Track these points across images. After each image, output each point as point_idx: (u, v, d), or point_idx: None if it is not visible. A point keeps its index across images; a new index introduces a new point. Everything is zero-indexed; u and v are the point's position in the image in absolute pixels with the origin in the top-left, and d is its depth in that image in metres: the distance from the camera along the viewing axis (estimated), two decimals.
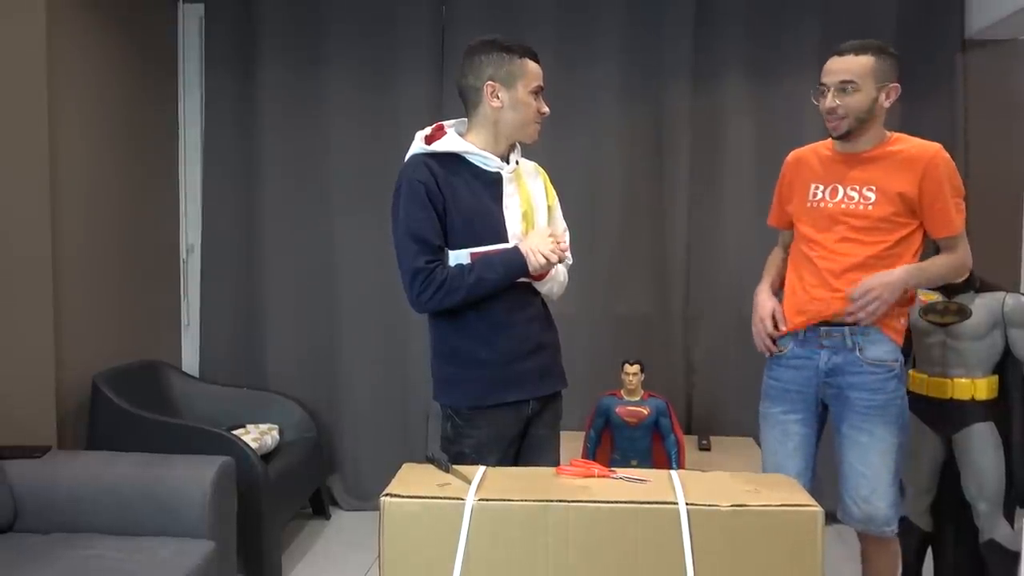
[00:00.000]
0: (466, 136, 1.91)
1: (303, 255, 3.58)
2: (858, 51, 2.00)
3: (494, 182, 1.88)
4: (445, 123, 1.94)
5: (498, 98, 1.86)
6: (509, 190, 1.90)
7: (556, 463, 1.94)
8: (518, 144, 1.97)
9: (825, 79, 2.04)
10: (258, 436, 2.96)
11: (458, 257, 1.85)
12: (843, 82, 1.99)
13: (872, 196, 2.02)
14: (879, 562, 2.14)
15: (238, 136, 3.58)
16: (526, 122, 1.90)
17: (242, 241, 3.60)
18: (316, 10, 3.51)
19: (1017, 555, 2.38)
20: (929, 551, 2.68)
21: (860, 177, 2.04)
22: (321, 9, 3.51)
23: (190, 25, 3.63)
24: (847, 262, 2.04)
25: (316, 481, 3.39)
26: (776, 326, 2.16)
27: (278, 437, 3.10)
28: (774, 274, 2.32)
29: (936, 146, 2.03)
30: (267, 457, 2.95)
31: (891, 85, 2.02)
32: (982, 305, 2.37)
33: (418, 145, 1.89)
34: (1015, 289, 2.85)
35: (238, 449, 2.69)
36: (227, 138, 3.58)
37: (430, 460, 1.63)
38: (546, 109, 1.91)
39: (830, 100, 2.02)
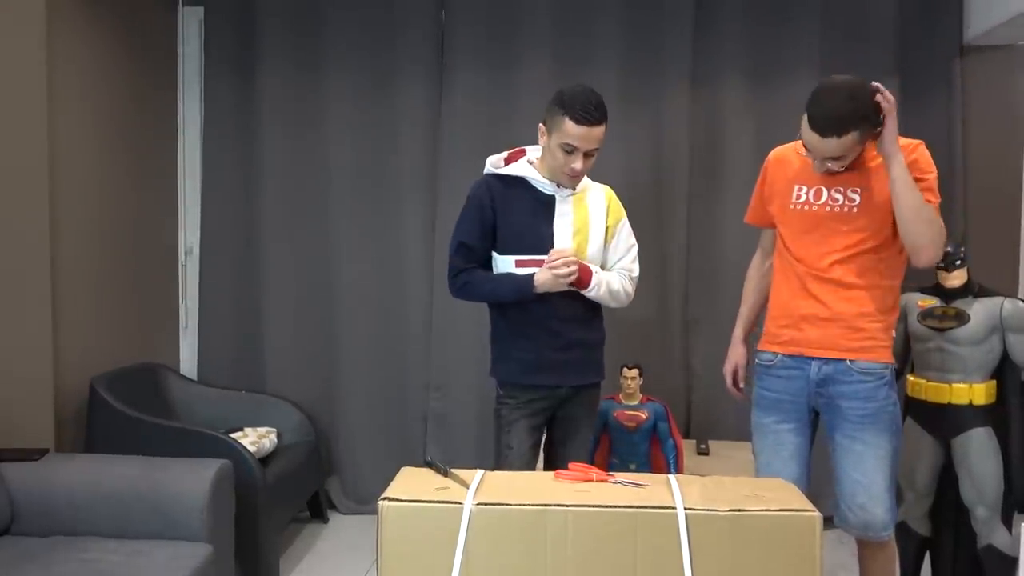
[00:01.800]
0: (535, 164, 2.24)
1: (302, 258, 3.58)
2: (839, 132, 1.87)
3: (549, 202, 2.21)
4: (528, 148, 2.29)
5: (544, 139, 2.18)
6: (562, 210, 2.21)
7: (585, 443, 2.33)
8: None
9: (813, 154, 1.98)
10: (256, 439, 2.96)
11: (504, 262, 2.22)
12: (831, 159, 1.96)
13: (857, 198, 2.01)
14: (876, 565, 2.13)
15: (237, 139, 3.58)
16: (557, 171, 2.16)
17: (241, 244, 3.60)
18: (316, 13, 3.51)
19: (1015, 560, 2.38)
20: (927, 556, 2.68)
21: (845, 179, 2.02)
22: (321, 12, 3.51)
23: (190, 28, 3.63)
24: (823, 267, 2.03)
25: (314, 484, 3.38)
26: (736, 384, 2.35)
27: (276, 440, 3.10)
28: (751, 303, 2.35)
29: (916, 142, 2.02)
30: (265, 460, 2.95)
31: (876, 131, 1.93)
32: (980, 310, 2.37)
33: (489, 165, 2.27)
34: (1013, 294, 2.85)
35: (236, 452, 2.68)
36: (226, 141, 3.58)
37: (428, 464, 1.63)
38: (577, 166, 2.12)
39: (819, 167, 2.00)
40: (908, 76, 3.42)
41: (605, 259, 2.29)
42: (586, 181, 2.29)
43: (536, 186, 2.21)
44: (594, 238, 2.24)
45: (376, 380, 3.57)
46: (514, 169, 2.22)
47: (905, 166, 1.91)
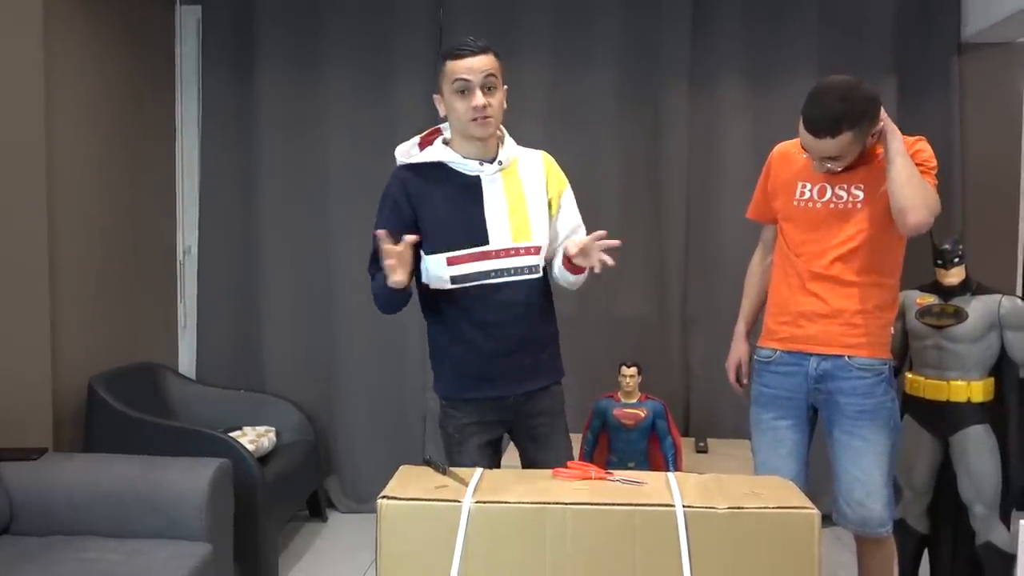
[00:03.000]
0: (451, 143, 1.93)
1: (300, 257, 3.58)
2: (833, 132, 1.88)
3: (474, 185, 1.90)
4: (442, 126, 1.98)
5: (441, 105, 1.90)
6: (492, 191, 1.91)
7: (563, 455, 1.99)
8: (507, 139, 1.96)
9: (811, 155, 1.99)
10: (255, 438, 2.96)
11: (435, 262, 1.90)
12: (828, 158, 1.96)
13: (860, 195, 2.01)
14: (875, 562, 2.14)
15: (235, 138, 3.58)
16: (464, 123, 1.85)
17: (239, 243, 3.60)
18: (314, 12, 3.51)
19: (1013, 557, 2.38)
20: (926, 553, 2.69)
21: (849, 176, 2.03)
22: (319, 11, 3.51)
23: (188, 27, 3.63)
24: (824, 263, 2.04)
25: (313, 483, 3.38)
26: (739, 380, 2.32)
27: (275, 439, 3.10)
28: (752, 298, 2.34)
29: (917, 137, 2.02)
30: (264, 459, 2.95)
31: (875, 130, 1.93)
32: (978, 307, 2.38)
33: (399, 156, 1.96)
34: (1011, 292, 2.86)
35: (235, 451, 2.68)
36: (224, 140, 3.58)
37: (427, 462, 1.62)
38: (479, 102, 1.81)
39: (818, 167, 2.01)
40: (906, 74, 3.43)
41: (552, 236, 1.99)
42: (515, 149, 1.97)
43: (457, 168, 1.90)
44: (535, 216, 1.93)
45: (375, 379, 3.57)
46: (428, 154, 1.91)
47: (900, 138, 1.92)
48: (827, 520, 1.66)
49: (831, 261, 2.04)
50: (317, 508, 3.49)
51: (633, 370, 2.84)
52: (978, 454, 2.37)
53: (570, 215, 2.02)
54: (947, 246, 2.43)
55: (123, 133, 3.16)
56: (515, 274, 1.91)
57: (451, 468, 1.64)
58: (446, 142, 1.93)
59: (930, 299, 2.45)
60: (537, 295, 1.97)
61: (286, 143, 3.55)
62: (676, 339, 3.45)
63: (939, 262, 2.45)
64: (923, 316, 2.44)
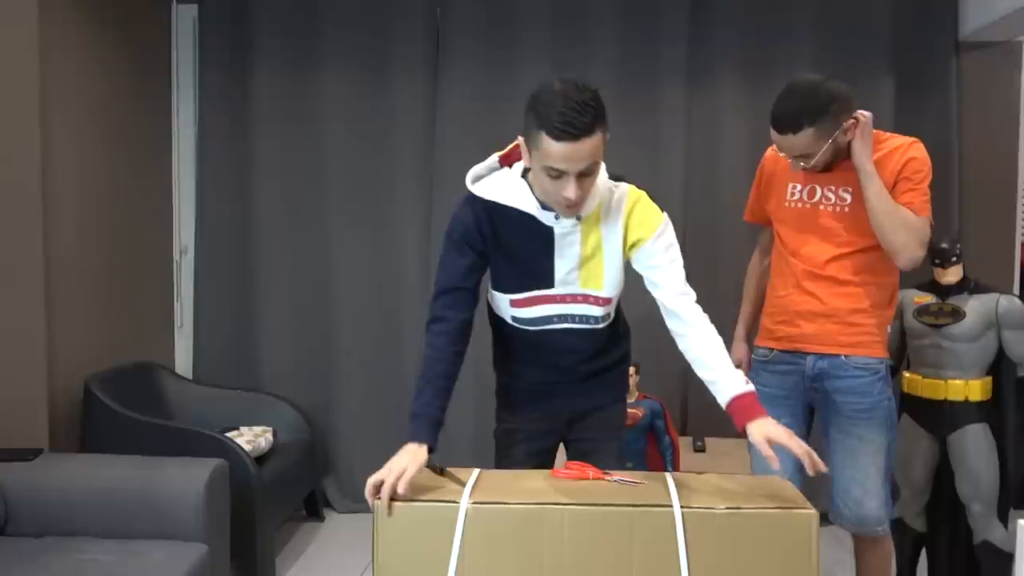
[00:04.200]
0: (531, 183, 1.67)
1: (298, 256, 3.58)
2: (794, 129, 1.89)
3: (547, 235, 1.69)
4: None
5: (526, 156, 1.61)
6: (565, 242, 1.70)
7: (614, 461, 1.89)
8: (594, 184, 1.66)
9: (783, 153, 2.00)
10: (252, 438, 2.95)
11: (500, 298, 1.81)
12: (796, 156, 1.97)
13: (848, 197, 2.01)
14: (873, 560, 2.13)
15: (232, 137, 3.57)
16: (548, 198, 1.62)
17: (236, 243, 3.59)
18: (311, 11, 3.50)
19: (1011, 556, 2.38)
20: (923, 552, 2.69)
21: (838, 178, 2.02)
22: (316, 10, 3.50)
23: (184, 26, 3.62)
24: (820, 263, 2.04)
25: (310, 483, 3.38)
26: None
27: (272, 439, 3.09)
28: (751, 300, 2.34)
29: (910, 141, 2.00)
30: (261, 459, 2.94)
31: (845, 126, 1.92)
32: (976, 307, 2.38)
33: (471, 184, 1.72)
34: (1009, 291, 2.86)
35: (231, 451, 2.68)
36: (221, 139, 3.57)
37: (425, 464, 1.61)
38: (570, 195, 1.54)
39: (794, 165, 2.01)
40: (904, 73, 3.43)
41: (650, 279, 1.74)
42: (602, 191, 1.68)
43: (531, 213, 1.67)
44: (610, 266, 1.73)
45: (372, 378, 3.57)
46: (502, 195, 1.68)
47: (876, 181, 1.93)
48: (824, 519, 1.65)
49: (826, 261, 2.04)
50: (314, 508, 3.48)
51: (631, 370, 2.83)
52: (976, 453, 2.37)
53: (656, 258, 1.71)
54: (945, 245, 2.43)
55: (119, 132, 3.15)
56: (580, 322, 1.79)
57: (448, 468, 1.63)
58: (524, 175, 1.69)
59: (928, 298, 2.45)
60: (603, 340, 1.86)
61: (283, 141, 3.54)
62: (674, 339, 3.43)
63: (937, 261, 2.45)
64: (921, 315, 2.44)
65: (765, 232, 2.30)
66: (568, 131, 1.48)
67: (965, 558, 2.57)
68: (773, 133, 1.96)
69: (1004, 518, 2.42)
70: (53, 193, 2.71)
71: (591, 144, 1.51)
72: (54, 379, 2.70)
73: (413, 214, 3.55)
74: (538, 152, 1.53)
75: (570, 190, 1.54)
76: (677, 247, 1.73)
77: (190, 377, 3.58)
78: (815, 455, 1.50)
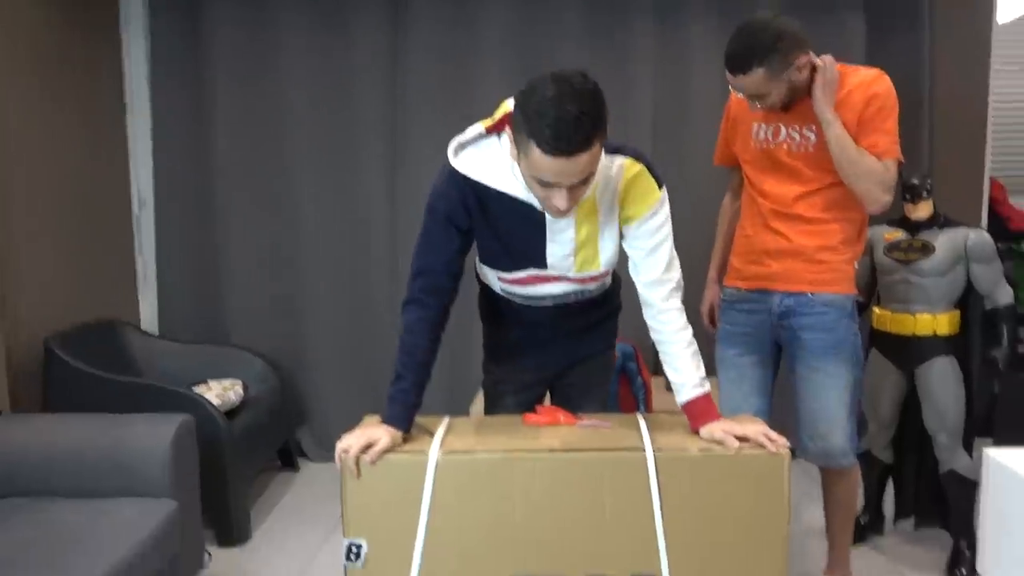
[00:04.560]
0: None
1: (262, 206, 3.48)
2: (744, 69, 1.87)
3: (539, 221, 1.56)
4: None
5: (513, 149, 1.43)
6: (557, 227, 1.57)
7: (598, 406, 1.89)
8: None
9: (736, 94, 1.99)
10: (221, 392, 2.90)
11: (488, 272, 1.74)
12: (752, 96, 1.94)
13: (812, 136, 1.99)
14: (839, 490, 2.18)
15: (187, 83, 3.42)
16: (536, 198, 1.49)
17: (197, 193, 3.48)
18: None
19: (975, 484, 2.44)
20: (890, 483, 2.74)
21: (800, 117, 2.00)
22: None
23: None
24: (787, 202, 2.03)
25: (283, 434, 3.35)
26: (713, 322, 2.31)
27: (242, 392, 3.04)
28: (723, 243, 2.33)
29: (874, 74, 1.96)
30: (232, 413, 2.90)
31: (798, 64, 1.88)
32: (945, 241, 2.38)
33: (454, 158, 1.54)
34: (977, 225, 2.87)
35: (199, 406, 2.63)
36: (175, 85, 3.43)
37: None
38: (561, 205, 1.41)
39: (751, 105, 1.98)
40: (875, 9, 3.37)
41: (632, 260, 1.64)
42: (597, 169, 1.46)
43: (520, 198, 1.53)
44: (607, 247, 1.62)
45: (342, 327, 3.53)
46: (488, 175, 1.52)
47: (837, 128, 1.91)
48: (791, 453, 1.66)
49: (793, 199, 2.03)
50: (289, 458, 3.47)
51: None
52: (943, 385, 2.40)
53: (642, 240, 1.60)
54: (915, 181, 2.42)
55: (69, 83, 3.00)
56: (575, 296, 1.74)
57: (418, 418, 1.61)
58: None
59: (898, 234, 2.45)
60: (596, 300, 1.81)
61: (240, 87, 3.41)
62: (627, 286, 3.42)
63: (907, 196, 2.44)
64: (891, 251, 2.44)
65: (735, 174, 2.27)
66: (560, 147, 1.31)
67: (930, 487, 2.63)
68: (727, 75, 1.93)
69: (969, 448, 2.47)
70: (1, 147, 2.58)
71: (586, 158, 1.35)
72: (12, 339, 2.61)
73: (378, 159, 3.46)
74: (527, 160, 1.37)
75: (561, 201, 1.41)
76: (668, 229, 1.61)
77: (156, 333, 3.51)
78: (775, 436, 1.47)
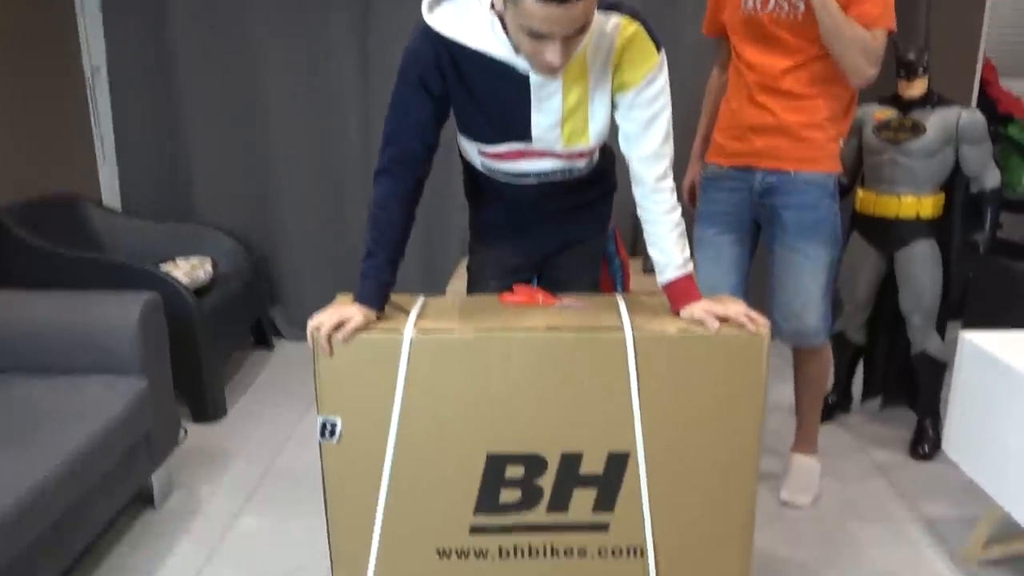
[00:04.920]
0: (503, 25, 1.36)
1: (224, 72, 3.28)
2: None
3: (522, 83, 1.43)
4: None
5: (499, 2, 1.31)
6: (543, 93, 1.44)
7: (586, 288, 1.83)
8: None
9: None
10: (189, 270, 2.83)
11: (467, 143, 1.60)
12: None
13: (801, 6, 1.89)
14: (810, 369, 2.20)
15: None
16: (524, 54, 1.34)
17: (154, 58, 3.27)
18: None
19: (945, 365, 2.48)
20: (861, 364, 2.79)
21: None
22: None
23: None
24: (773, 75, 1.95)
25: (256, 313, 3.32)
26: (694, 200, 2.24)
27: (211, 270, 2.97)
28: (709, 118, 2.25)
29: None
30: (202, 291, 2.84)
31: None
32: (937, 121, 2.31)
33: (428, 15, 1.40)
34: (967, 104, 2.78)
35: (167, 284, 2.57)
36: None
37: None
38: (553, 59, 1.28)
39: None
40: None
41: (625, 132, 1.50)
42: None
43: (502, 59, 1.40)
44: (598, 117, 1.49)
45: (314, 202, 3.43)
46: (466, 33, 1.39)
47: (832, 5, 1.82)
48: None
49: (781, 72, 1.95)
50: (263, 337, 3.45)
51: None
52: (922, 268, 2.39)
53: (637, 111, 1.46)
54: (912, 56, 2.31)
55: None
56: (562, 175, 1.62)
57: (392, 296, 1.56)
58: (497, 11, 1.36)
59: (889, 113, 2.37)
60: (587, 180, 1.68)
61: None
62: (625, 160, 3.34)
63: (901, 73, 2.34)
64: (881, 131, 2.37)
65: (723, 46, 2.17)
66: None
67: (900, 368, 2.68)
68: None
69: (941, 331, 2.49)
70: None
71: (582, 6, 1.20)
72: None
73: (348, 31, 3.24)
74: (516, 8, 1.23)
75: (554, 55, 1.27)
76: (666, 98, 1.47)
77: (119, 209, 3.38)
78: (757, 317, 1.42)
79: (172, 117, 3.32)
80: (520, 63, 1.40)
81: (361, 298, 1.45)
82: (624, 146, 1.52)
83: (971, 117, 2.30)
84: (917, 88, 2.33)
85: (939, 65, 2.95)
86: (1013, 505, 1.69)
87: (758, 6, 1.94)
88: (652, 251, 1.54)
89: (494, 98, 1.47)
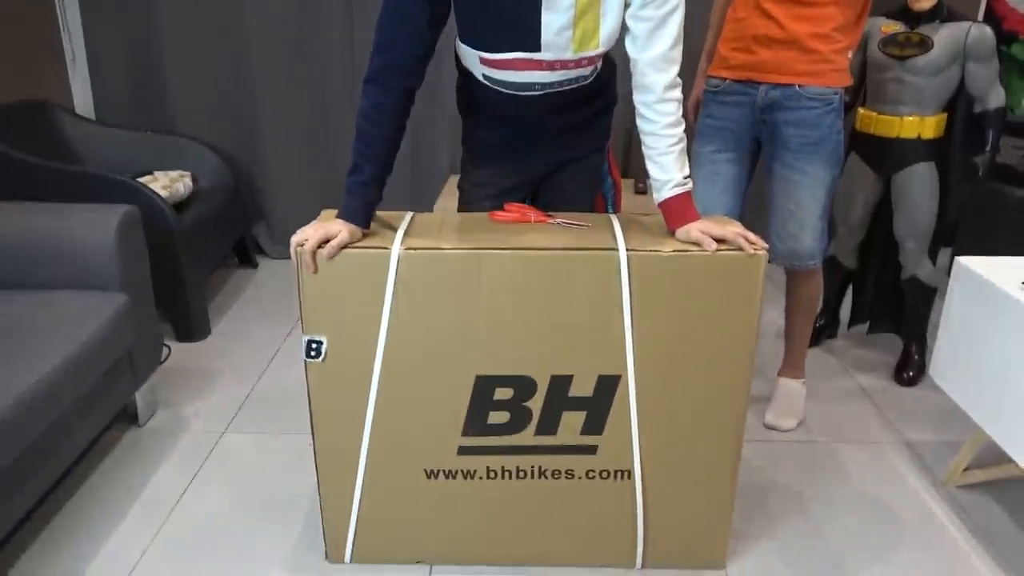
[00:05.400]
0: None
1: None
2: None
3: None
4: None
5: None
6: None
7: (583, 207, 1.79)
8: None
9: None
10: (168, 184, 2.74)
11: (467, 51, 1.50)
12: None
13: None
14: (802, 292, 2.18)
15: None
16: None
17: None
18: None
19: (934, 290, 2.47)
20: (850, 288, 2.77)
21: None
22: None
23: None
24: None
25: (239, 230, 3.24)
26: (696, 116, 2.15)
27: (191, 184, 2.88)
28: (716, 32, 2.15)
29: None
30: (181, 206, 2.76)
31: None
32: (945, 36, 2.21)
33: None
34: (974, 19, 2.68)
35: (145, 197, 2.49)
36: None
37: None
38: None
39: None
40: None
41: (634, 33, 1.41)
42: None
43: None
44: (609, 14, 1.41)
45: (297, 115, 3.30)
46: None
47: None
48: None
49: None
50: (246, 255, 3.39)
51: None
52: (920, 191, 2.34)
53: (648, 12, 1.38)
54: None
55: None
56: (567, 84, 1.54)
57: (379, 212, 1.50)
58: None
59: (896, 27, 2.27)
60: (589, 91, 1.62)
61: None
62: (623, 76, 3.23)
63: None
64: (886, 46, 2.27)
65: None
66: None
67: (888, 292, 2.66)
68: None
69: (933, 256, 2.47)
70: None
71: None
72: None
73: None
74: None
75: None
76: (679, 2, 1.39)
77: (92, 118, 3.25)
78: (753, 237, 1.39)
79: (147, 22, 3.16)
80: None
81: (346, 214, 1.40)
82: (632, 49, 1.43)
83: (981, 33, 2.21)
84: (927, 0, 2.23)
85: None
86: (996, 430, 1.70)
87: None
88: (651, 166, 1.48)
89: None
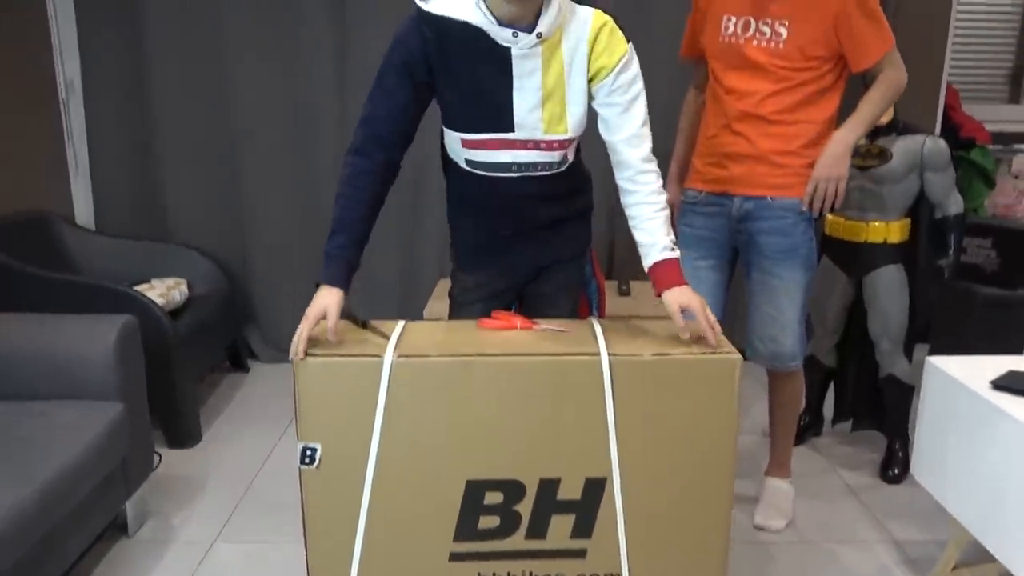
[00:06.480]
0: None
1: (199, 88, 3.27)
2: None
3: (504, 58, 1.52)
4: None
5: None
6: (524, 68, 1.52)
7: (566, 313, 1.86)
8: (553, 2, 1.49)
9: None
10: (164, 291, 2.81)
11: (451, 136, 1.63)
12: None
13: (784, 32, 1.94)
14: (785, 392, 2.24)
15: None
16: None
17: (129, 75, 3.26)
18: None
19: (912, 388, 2.53)
20: (832, 387, 2.84)
21: (774, 11, 1.94)
22: None
23: None
24: (752, 101, 1.99)
25: (231, 334, 3.29)
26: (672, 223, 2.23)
27: (187, 291, 2.96)
28: (685, 140, 2.29)
29: None
30: (176, 313, 2.82)
31: None
32: (902, 148, 2.37)
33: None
34: (931, 132, 2.86)
35: (142, 306, 2.55)
36: None
37: (346, 316, 1.54)
38: None
39: None
40: None
41: (605, 118, 1.58)
42: (564, 13, 1.51)
43: (486, 31, 1.49)
44: (575, 104, 1.57)
45: (289, 221, 3.41)
46: (453, 7, 1.49)
47: (852, 128, 2.00)
48: (742, 355, 1.68)
49: (759, 100, 1.99)
50: (238, 359, 3.43)
51: None
52: (889, 293, 2.45)
53: (616, 98, 1.55)
54: None
55: None
56: (541, 169, 1.66)
57: (372, 321, 1.57)
58: None
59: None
60: (563, 186, 1.73)
61: None
62: (601, 183, 3.37)
63: None
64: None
65: (700, 68, 2.21)
66: None
67: (869, 390, 2.72)
68: None
69: (908, 354, 2.55)
70: None
71: None
72: None
73: (325, 32, 3.24)
74: None
75: None
76: (641, 84, 1.57)
77: (93, 228, 3.35)
78: (717, 329, 1.46)
79: (147, 137, 3.31)
80: (501, 34, 1.48)
81: (328, 279, 1.47)
82: (606, 133, 1.58)
83: (935, 145, 2.37)
84: (885, 115, 2.39)
85: (904, 92, 3.04)
86: (979, 530, 1.72)
87: (739, 31, 1.98)
88: (637, 234, 1.58)
89: (477, 82, 1.53)
